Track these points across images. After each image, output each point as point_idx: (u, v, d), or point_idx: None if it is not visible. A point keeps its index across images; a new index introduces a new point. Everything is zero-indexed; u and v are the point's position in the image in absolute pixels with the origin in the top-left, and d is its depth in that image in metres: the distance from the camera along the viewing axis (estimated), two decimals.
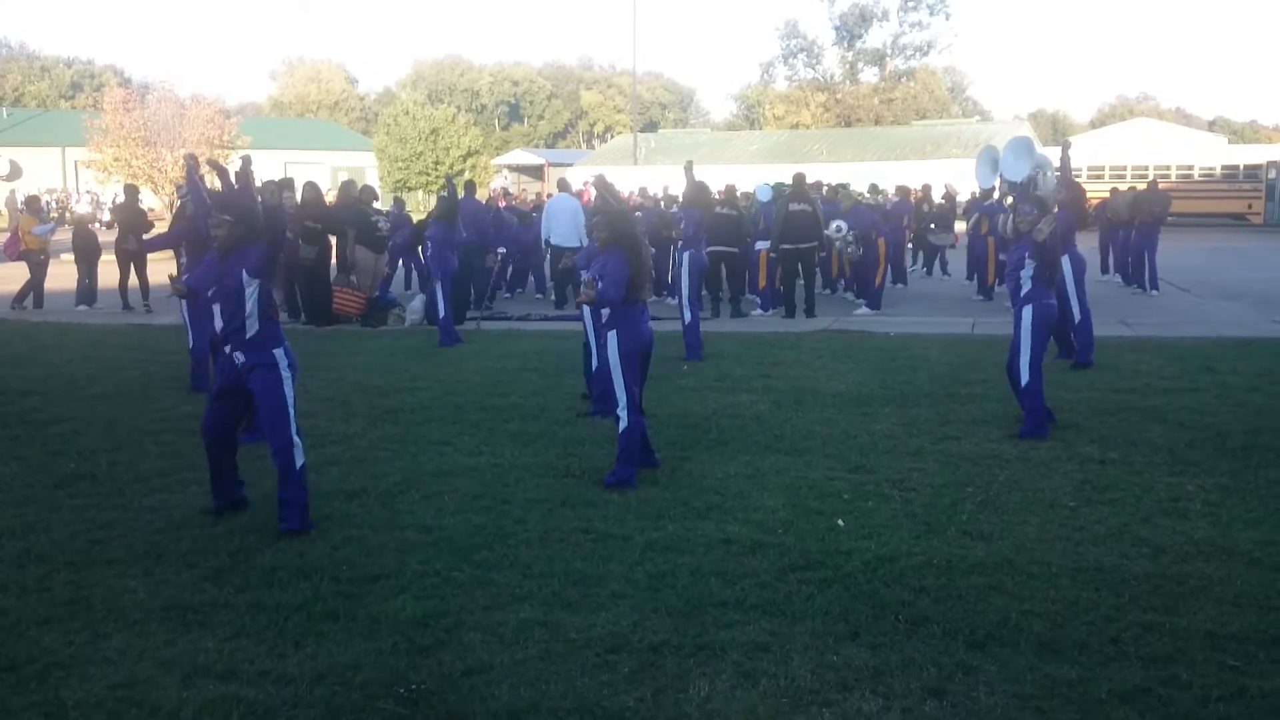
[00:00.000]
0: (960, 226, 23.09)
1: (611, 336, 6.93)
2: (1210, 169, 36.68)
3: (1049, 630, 4.63)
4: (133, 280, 16.58)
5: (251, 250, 6.11)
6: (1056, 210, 9.07)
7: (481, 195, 26.04)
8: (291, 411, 6.05)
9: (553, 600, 5.04)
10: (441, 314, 12.78)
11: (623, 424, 6.86)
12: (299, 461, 6.02)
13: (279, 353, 6.10)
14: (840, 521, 6.04)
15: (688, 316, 11.45)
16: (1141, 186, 21.07)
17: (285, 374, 6.09)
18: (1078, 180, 12.77)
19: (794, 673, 4.28)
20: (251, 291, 6.07)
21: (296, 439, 6.04)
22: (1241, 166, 36.21)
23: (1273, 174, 35.34)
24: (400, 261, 17.85)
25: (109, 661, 4.47)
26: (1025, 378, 7.94)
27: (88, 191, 48.44)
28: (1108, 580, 5.17)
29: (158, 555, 5.66)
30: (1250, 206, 35.53)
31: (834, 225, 15.64)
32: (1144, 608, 4.85)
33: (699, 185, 12.77)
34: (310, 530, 5.98)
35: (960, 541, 5.73)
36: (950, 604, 4.91)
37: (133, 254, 16.51)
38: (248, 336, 6.02)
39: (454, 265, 12.92)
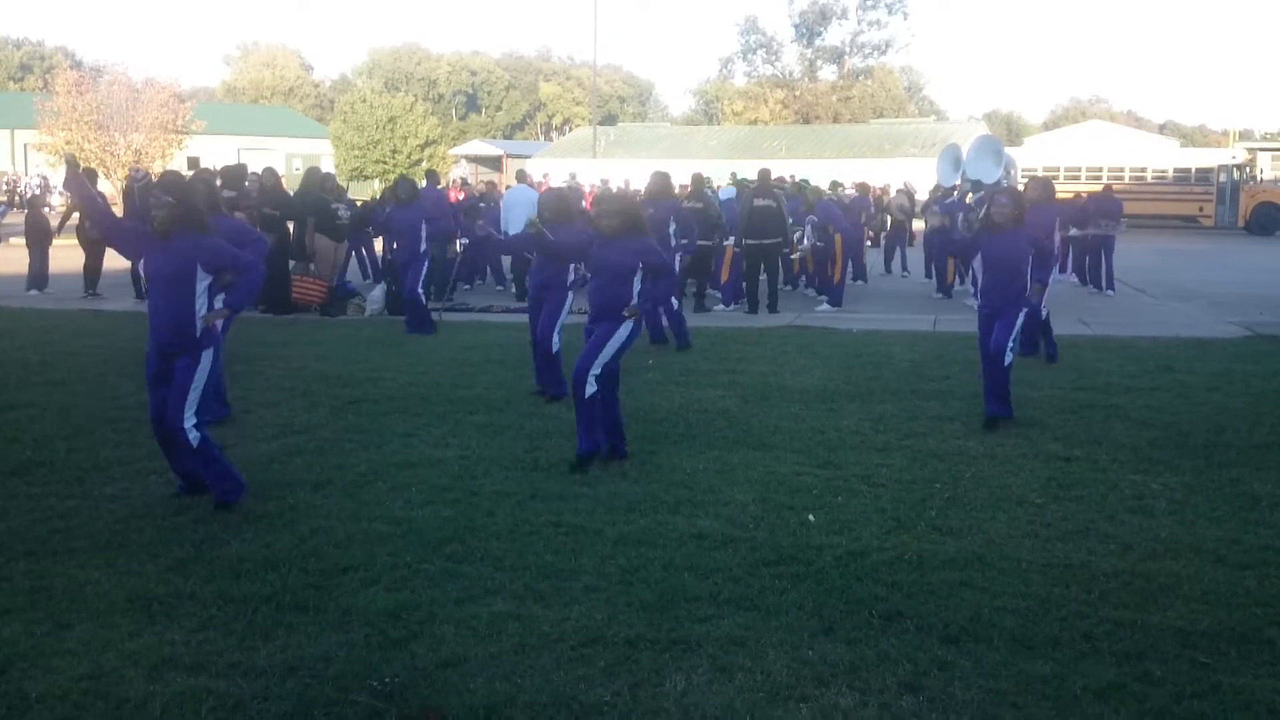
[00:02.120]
0: (918, 224, 23.30)
1: (628, 326, 6.99)
2: (1163, 172, 37.20)
3: (1022, 626, 4.65)
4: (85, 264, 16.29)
5: (206, 243, 6.04)
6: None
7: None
8: (195, 395, 6.02)
9: (525, 593, 4.99)
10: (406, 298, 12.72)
11: (591, 389, 6.90)
12: (193, 439, 5.99)
13: (208, 353, 6.11)
14: (811, 516, 6.04)
15: (675, 305, 11.66)
16: (1097, 188, 21.36)
17: (205, 362, 6.08)
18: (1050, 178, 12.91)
19: (769, 667, 4.26)
20: (203, 288, 6.02)
21: (190, 420, 5.99)
22: (1193, 170, 36.75)
23: (1223, 177, 35.88)
24: (352, 251, 17.68)
25: (73, 653, 4.37)
26: (1009, 359, 8.12)
27: (39, 175, 47.52)
28: (1077, 577, 5.20)
29: (120, 545, 5.55)
30: (1201, 209, 36.05)
31: (804, 230, 15.72)
32: (1114, 604, 4.89)
33: (663, 176, 12.78)
34: (237, 499, 6.09)
35: (930, 537, 5.75)
36: (923, 599, 4.92)
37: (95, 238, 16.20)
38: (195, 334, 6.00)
39: (424, 250, 12.81)
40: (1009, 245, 8.10)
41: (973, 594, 4.98)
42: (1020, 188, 14.38)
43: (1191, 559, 5.45)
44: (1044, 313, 10.47)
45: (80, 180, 7.04)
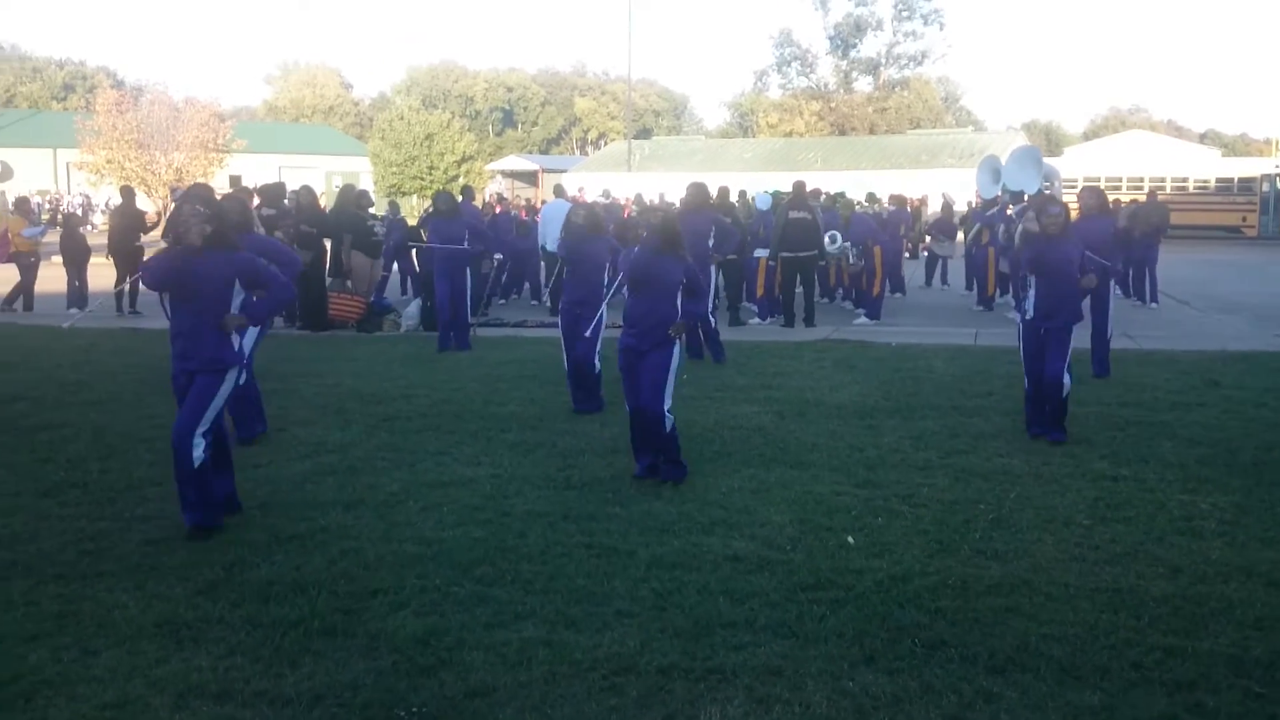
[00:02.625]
0: (959, 237, 23.05)
1: (676, 348, 6.98)
2: (1205, 181, 36.67)
3: (1069, 655, 4.50)
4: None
5: (238, 258, 6.00)
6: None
7: (477, 202, 25.89)
8: (211, 414, 5.95)
9: (556, 619, 4.89)
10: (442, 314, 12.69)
11: (671, 422, 6.94)
12: (196, 457, 5.90)
13: (232, 374, 6.09)
14: (850, 538, 5.90)
15: (713, 322, 11.70)
16: (1141, 198, 21.05)
17: (228, 384, 6.03)
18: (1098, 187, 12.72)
19: (809, 699, 4.13)
20: (237, 305, 6.00)
21: (199, 439, 5.91)
22: (1236, 179, 36.21)
23: (1267, 187, 35.32)
24: (395, 266, 17.71)
25: (99, 680, 4.31)
26: (1068, 385, 8.02)
27: (80, 194, 48.15)
28: (1126, 602, 5.04)
29: (150, 568, 5.51)
30: (1245, 219, 35.51)
31: (828, 236, 15.52)
32: (1164, 631, 4.72)
33: (700, 186, 12.70)
34: (210, 526, 5.95)
35: (974, 561, 5.60)
36: (967, 627, 4.77)
37: (128, 256, 16.34)
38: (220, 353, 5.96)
39: (463, 265, 12.76)
40: (1062, 253, 7.95)
41: (1019, 621, 4.82)
42: (1063, 197, 14.18)
43: (1243, 582, 5.27)
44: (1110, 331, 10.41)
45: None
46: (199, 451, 5.91)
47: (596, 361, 9.08)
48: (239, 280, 6.02)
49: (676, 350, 6.97)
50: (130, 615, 4.91)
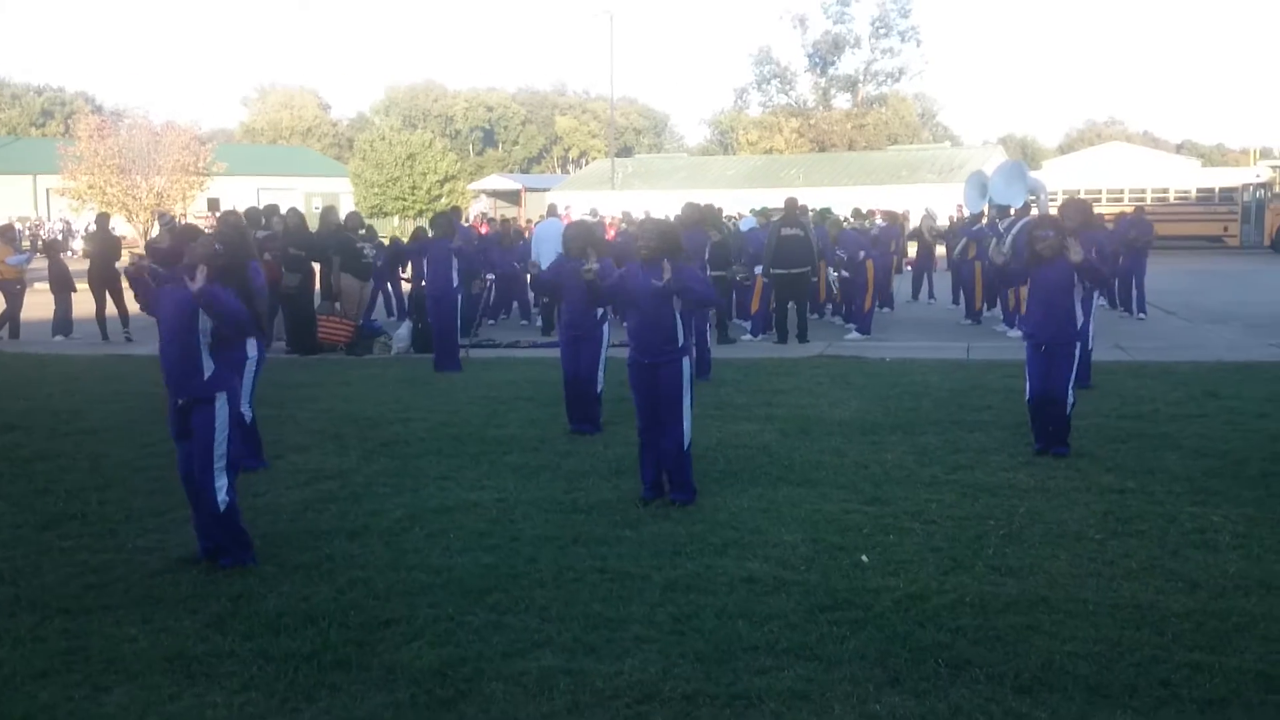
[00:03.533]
0: (941, 251, 23.10)
1: (688, 362, 6.92)
2: (1185, 192, 36.88)
3: (1096, 673, 4.45)
4: (111, 309, 16.32)
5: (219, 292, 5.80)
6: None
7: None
8: (221, 449, 5.76)
9: (574, 646, 4.81)
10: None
11: (689, 440, 6.91)
12: (221, 500, 5.73)
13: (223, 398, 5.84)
14: (864, 557, 5.85)
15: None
16: (1125, 210, 21.11)
17: (222, 412, 5.79)
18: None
19: None
20: (206, 332, 5.79)
21: (221, 480, 5.73)
22: (1217, 189, 36.42)
23: (1248, 196, 35.56)
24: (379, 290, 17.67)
25: (111, 718, 4.22)
26: (1072, 401, 8.07)
27: (61, 219, 47.88)
28: (1148, 618, 4.99)
29: (156, 600, 5.41)
30: (1226, 229, 35.70)
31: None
32: (1189, 647, 4.68)
33: (694, 207, 12.73)
34: (246, 564, 5.80)
35: (990, 578, 5.55)
36: (990, 646, 4.72)
37: (108, 283, 16.26)
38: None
39: (456, 285, 12.69)
40: (1055, 274, 7.92)
41: (1042, 639, 4.77)
42: (1051, 211, 14.20)
43: (1263, 596, 5.24)
44: (1090, 341, 10.31)
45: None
46: (223, 494, 5.72)
47: (600, 381, 9.05)
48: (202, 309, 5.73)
49: (687, 364, 6.90)
50: (140, 649, 4.81)
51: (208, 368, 5.80)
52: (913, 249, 22.69)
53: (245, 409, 7.87)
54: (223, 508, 5.73)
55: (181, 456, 5.87)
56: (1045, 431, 8.03)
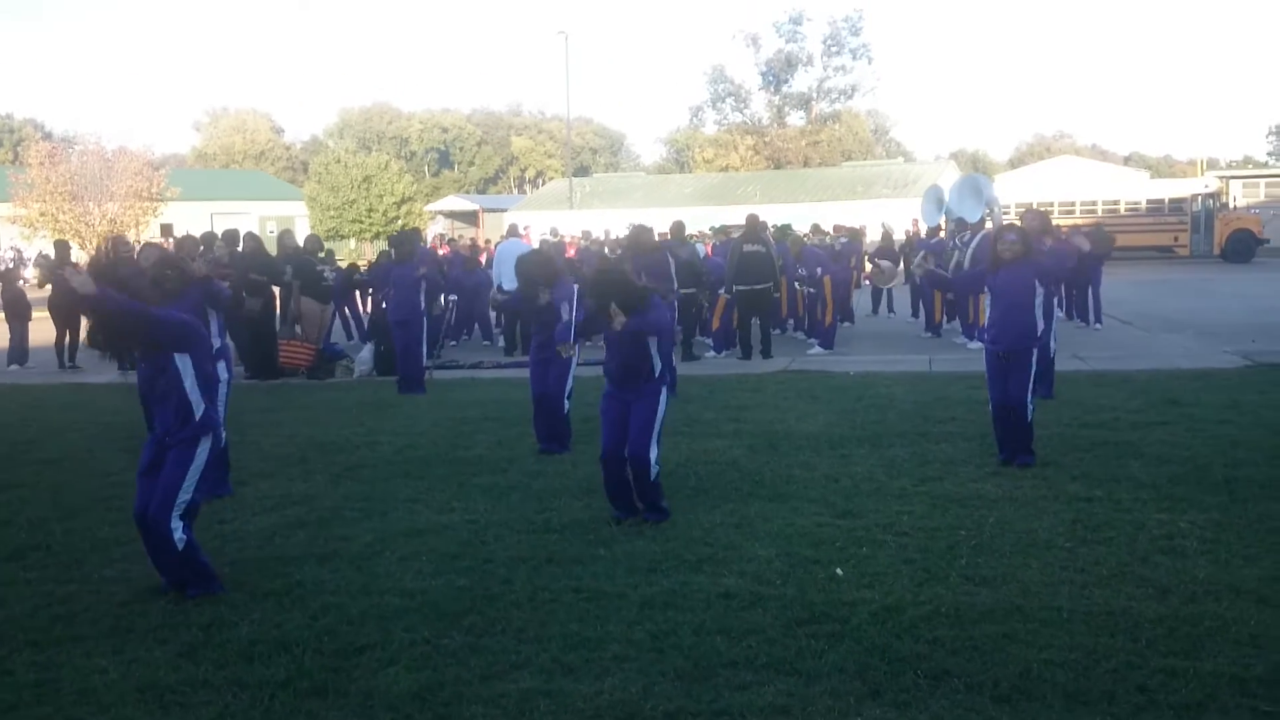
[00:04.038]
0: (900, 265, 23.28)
1: (665, 392, 6.93)
2: (1136, 203, 37.44)
3: (1073, 680, 4.48)
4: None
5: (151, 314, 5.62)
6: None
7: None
8: (185, 495, 5.62)
9: (552, 666, 4.78)
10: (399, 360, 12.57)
11: (657, 472, 6.85)
12: (178, 539, 5.58)
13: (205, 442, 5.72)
14: (839, 570, 5.86)
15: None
16: (1077, 223, 21.39)
17: (200, 457, 5.68)
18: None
19: None
20: (186, 365, 5.65)
21: (176, 521, 5.58)
22: (1167, 200, 36.98)
23: (1197, 206, 36.14)
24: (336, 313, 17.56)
25: None
26: (1031, 410, 8.08)
27: (12, 248, 47.18)
28: (1121, 625, 5.03)
29: (126, 630, 5.32)
30: (1177, 239, 36.26)
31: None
32: (1163, 652, 4.72)
33: (641, 229, 12.79)
34: (218, 592, 5.70)
35: (964, 588, 5.58)
36: (968, 655, 4.74)
37: (66, 311, 16.05)
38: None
39: (421, 308, 12.66)
40: (1016, 280, 8.01)
41: (1018, 648, 4.79)
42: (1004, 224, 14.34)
43: (1233, 600, 5.30)
44: (1052, 349, 10.42)
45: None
46: (179, 533, 5.59)
47: (566, 403, 9.02)
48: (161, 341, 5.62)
49: (663, 398, 6.89)
50: (111, 681, 4.73)
51: (198, 407, 5.67)
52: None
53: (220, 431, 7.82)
54: (180, 546, 5.60)
55: (141, 492, 5.74)
56: (1010, 441, 8.10)
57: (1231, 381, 11.38)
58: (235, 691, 4.61)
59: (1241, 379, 11.59)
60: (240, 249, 14.40)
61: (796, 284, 16.61)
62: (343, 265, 19.99)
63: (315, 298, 14.99)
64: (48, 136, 54.63)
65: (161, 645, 5.13)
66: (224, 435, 7.57)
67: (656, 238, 14.96)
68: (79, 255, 29.93)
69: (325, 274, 15.33)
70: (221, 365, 7.57)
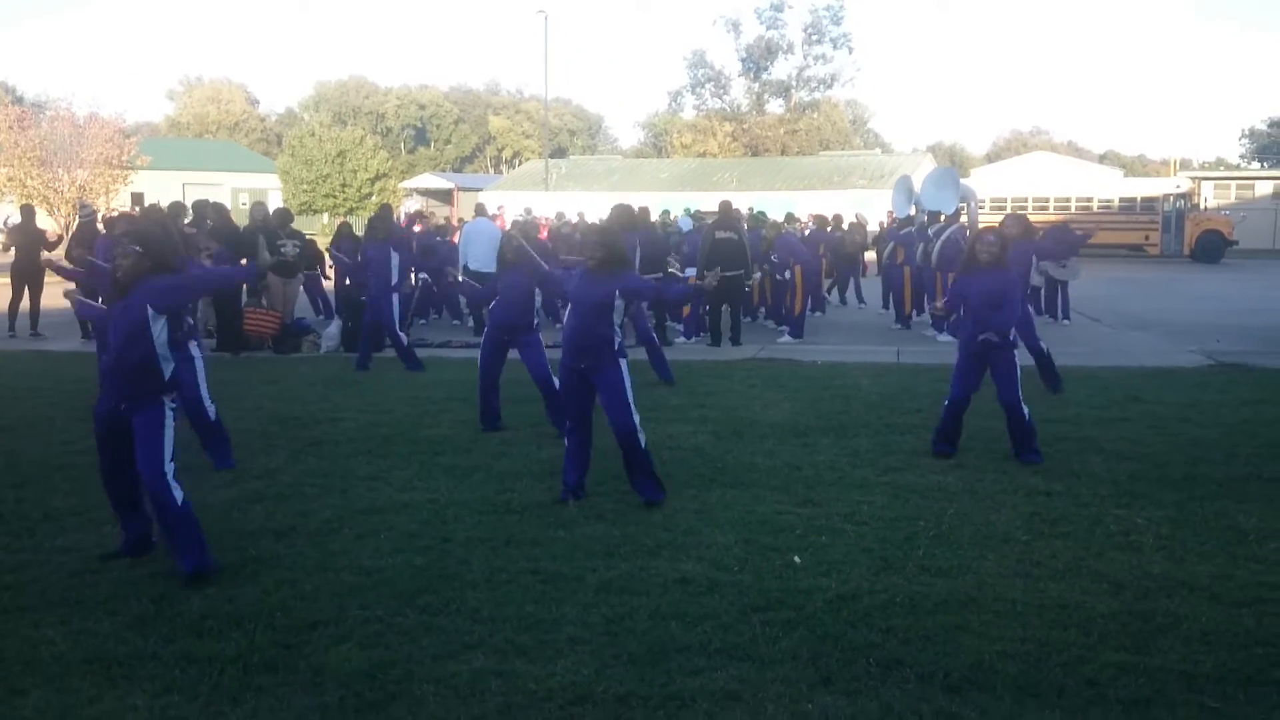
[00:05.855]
0: (871, 255, 23.36)
1: (624, 363, 6.91)
2: (1108, 201, 37.62)
3: (1024, 672, 4.50)
4: (25, 305, 15.94)
5: (151, 283, 5.61)
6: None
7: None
8: (168, 447, 5.55)
9: (506, 647, 4.76)
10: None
11: (644, 439, 6.92)
12: (179, 497, 5.52)
13: (169, 402, 5.65)
14: (797, 558, 5.87)
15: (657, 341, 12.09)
16: (1050, 218, 21.48)
17: (169, 415, 5.60)
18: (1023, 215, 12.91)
19: None
20: (160, 331, 5.61)
21: (173, 479, 5.52)
22: (1139, 199, 37.19)
23: (1168, 206, 36.39)
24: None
25: None
26: (1025, 408, 8.09)
27: None
28: (1073, 618, 5.07)
29: (75, 601, 5.26)
30: (1148, 238, 36.49)
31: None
32: (1114, 647, 4.75)
33: (624, 208, 12.73)
34: (213, 569, 5.57)
35: (920, 578, 5.60)
36: (920, 645, 4.76)
37: (28, 277, 15.89)
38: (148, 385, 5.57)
39: (396, 283, 12.63)
40: (993, 282, 8.01)
41: (971, 639, 4.82)
42: (980, 220, 14.43)
43: (1186, 597, 5.34)
44: (1044, 347, 10.58)
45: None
46: (179, 492, 5.51)
47: (555, 380, 9.00)
48: (150, 306, 5.57)
49: (624, 366, 6.88)
50: (58, 652, 4.68)
51: (167, 367, 5.62)
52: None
53: (209, 405, 7.90)
54: (181, 503, 5.52)
55: (106, 460, 5.69)
56: (950, 432, 8.18)
57: (1193, 380, 11.47)
58: (184, 665, 4.57)
59: (1203, 377, 11.68)
60: (210, 223, 14.24)
61: (761, 270, 16.58)
62: (311, 240, 19.82)
63: (276, 271, 14.82)
64: (18, 101, 53.84)
65: (111, 617, 5.08)
66: (212, 409, 7.62)
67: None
68: (46, 222, 29.57)
69: (285, 249, 15.12)
70: (192, 342, 7.54)
